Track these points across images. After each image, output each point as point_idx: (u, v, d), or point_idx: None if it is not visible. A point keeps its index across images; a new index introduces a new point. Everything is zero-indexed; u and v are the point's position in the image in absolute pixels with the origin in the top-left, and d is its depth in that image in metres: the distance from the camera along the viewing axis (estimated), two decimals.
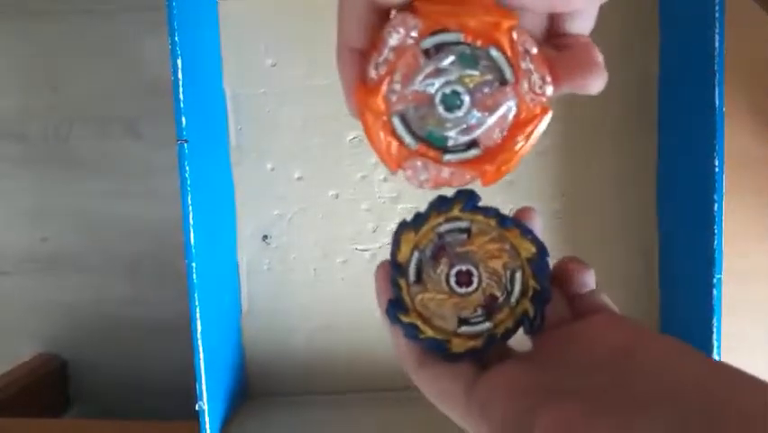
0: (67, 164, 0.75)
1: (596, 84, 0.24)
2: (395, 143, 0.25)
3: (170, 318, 0.73)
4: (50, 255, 0.76)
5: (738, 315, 0.52)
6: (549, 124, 0.24)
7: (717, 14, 0.41)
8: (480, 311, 0.26)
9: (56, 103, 0.74)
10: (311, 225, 0.52)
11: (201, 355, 0.42)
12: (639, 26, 0.50)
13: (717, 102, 0.42)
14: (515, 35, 0.23)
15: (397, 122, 0.24)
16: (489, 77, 0.24)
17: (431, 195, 0.49)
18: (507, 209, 0.51)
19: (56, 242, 0.76)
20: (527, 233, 0.27)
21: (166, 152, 0.72)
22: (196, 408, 0.42)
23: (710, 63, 0.42)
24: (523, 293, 0.26)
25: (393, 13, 0.24)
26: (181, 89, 0.41)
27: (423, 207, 0.27)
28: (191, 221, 0.42)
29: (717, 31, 0.41)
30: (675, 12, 0.47)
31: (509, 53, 0.24)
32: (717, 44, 0.41)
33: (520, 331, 0.26)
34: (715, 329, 0.42)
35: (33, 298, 0.76)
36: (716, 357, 0.42)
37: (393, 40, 0.23)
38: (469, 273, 0.26)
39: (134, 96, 0.74)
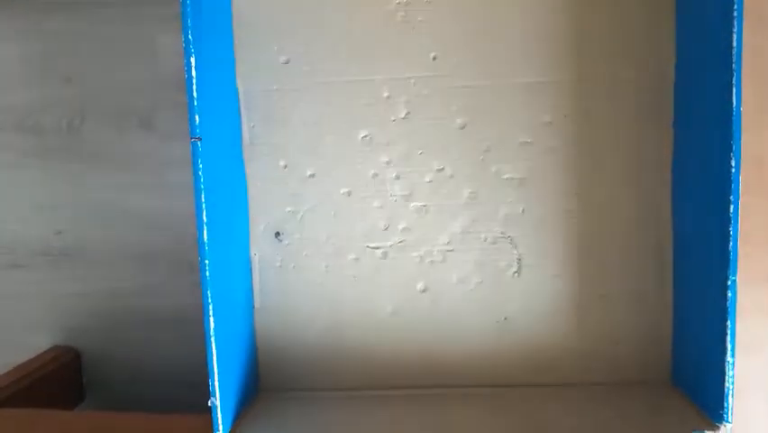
0: (81, 157, 0.75)
1: None
2: None
3: (184, 310, 0.74)
4: (64, 248, 0.76)
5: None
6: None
7: (735, 13, 0.40)
8: None
9: (70, 95, 0.75)
10: (323, 223, 0.52)
11: (214, 352, 0.42)
12: (654, 23, 0.49)
13: (734, 102, 0.41)
14: None
15: None
16: None
17: (441, 193, 0.49)
18: (519, 209, 0.51)
19: (70, 234, 0.76)
20: None
21: (180, 144, 0.72)
22: (209, 403, 0.43)
23: (728, 61, 0.41)
24: None
25: None
26: (195, 87, 0.41)
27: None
28: (204, 218, 0.42)
29: (735, 29, 0.41)
30: (692, 8, 0.47)
31: None
32: (735, 43, 0.41)
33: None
34: (729, 331, 0.42)
35: (48, 290, 0.77)
36: (729, 361, 0.42)
37: None
38: None
39: (148, 88, 0.74)
